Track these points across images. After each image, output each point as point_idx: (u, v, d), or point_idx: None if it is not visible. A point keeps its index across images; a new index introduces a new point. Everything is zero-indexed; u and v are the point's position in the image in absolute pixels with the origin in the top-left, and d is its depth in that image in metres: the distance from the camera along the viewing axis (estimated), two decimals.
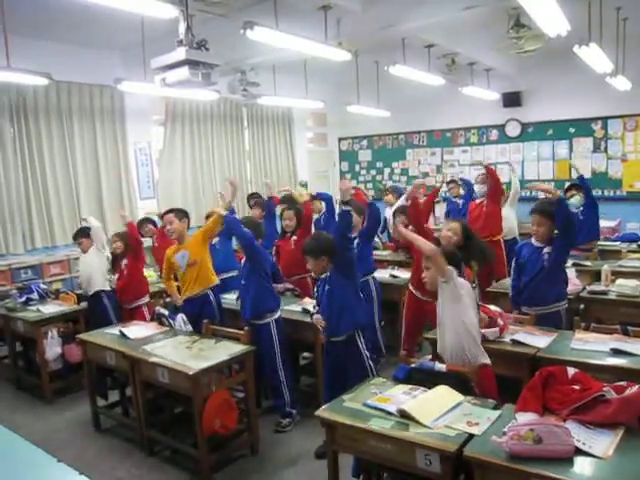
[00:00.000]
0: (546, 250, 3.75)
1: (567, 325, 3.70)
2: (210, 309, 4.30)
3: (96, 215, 7.05)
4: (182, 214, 4.46)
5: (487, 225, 5.96)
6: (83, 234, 5.06)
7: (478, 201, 6.33)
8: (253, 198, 7.38)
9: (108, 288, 4.99)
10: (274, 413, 4.02)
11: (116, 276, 5.00)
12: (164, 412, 3.93)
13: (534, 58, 6.51)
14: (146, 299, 5.00)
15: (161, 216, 4.41)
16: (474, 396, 2.55)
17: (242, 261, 4.08)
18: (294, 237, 5.03)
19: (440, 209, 8.09)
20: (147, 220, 5.94)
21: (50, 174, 6.75)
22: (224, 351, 3.43)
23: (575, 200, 5.90)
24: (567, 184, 6.58)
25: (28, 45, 5.75)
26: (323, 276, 3.39)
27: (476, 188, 6.46)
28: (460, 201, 7.05)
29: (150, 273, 5.55)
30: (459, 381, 2.60)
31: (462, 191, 7.10)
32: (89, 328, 4.44)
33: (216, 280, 4.44)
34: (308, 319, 3.97)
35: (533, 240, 3.87)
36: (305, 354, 4.73)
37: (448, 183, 7.56)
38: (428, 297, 4.23)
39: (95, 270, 4.93)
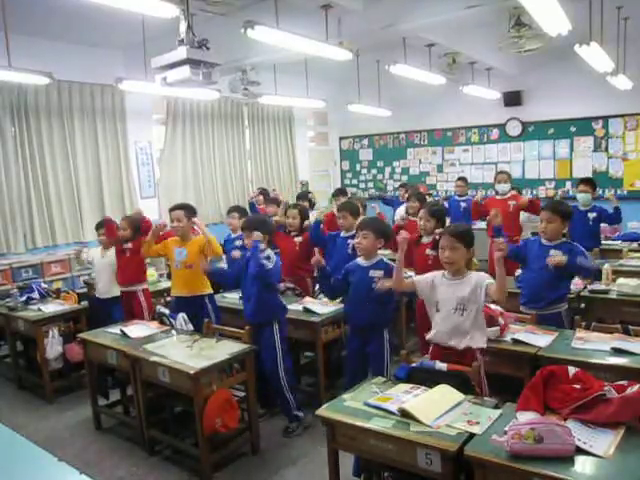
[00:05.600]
0: (552, 252, 3.67)
1: (568, 326, 3.66)
2: (205, 312, 4.31)
3: (97, 214, 7.08)
4: (191, 212, 4.41)
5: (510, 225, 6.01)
6: None
7: (499, 197, 6.32)
8: (260, 193, 7.50)
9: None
10: (279, 414, 4.02)
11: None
12: (165, 411, 3.93)
13: (535, 57, 6.51)
14: (144, 286, 4.97)
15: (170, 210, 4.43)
16: (475, 395, 2.55)
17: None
18: (299, 238, 5.03)
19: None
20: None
21: (51, 173, 6.76)
22: (225, 350, 3.42)
23: (583, 197, 5.90)
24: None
25: (29, 44, 5.75)
26: (364, 262, 3.53)
27: (497, 187, 6.44)
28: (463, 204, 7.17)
29: (151, 272, 5.55)
30: (460, 380, 2.60)
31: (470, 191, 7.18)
32: (92, 327, 4.44)
33: (210, 290, 4.45)
34: (309, 318, 3.99)
35: (542, 239, 3.82)
36: (306, 353, 4.73)
37: (458, 180, 7.70)
38: None
39: (112, 276, 4.99)
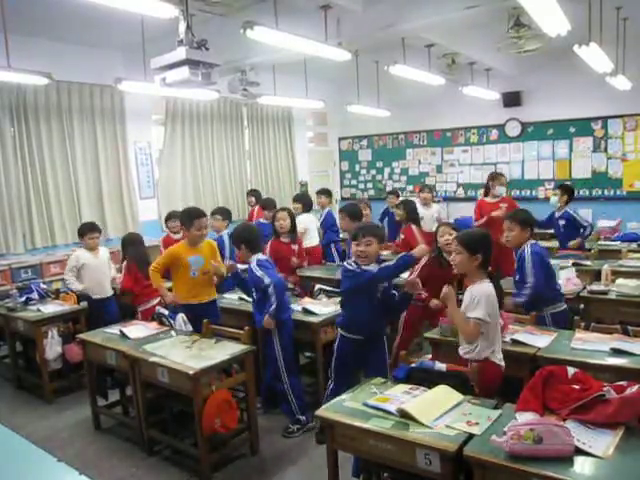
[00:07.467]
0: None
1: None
2: (216, 312, 4.32)
3: (96, 215, 7.08)
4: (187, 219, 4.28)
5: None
6: (98, 230, 5.12)
7: (491, 200, 6.22)
8: (252, 195, 7.53)
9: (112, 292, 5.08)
10: (278, 414, 4.01)
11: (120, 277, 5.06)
12: (164, 412, 3.92)
13: (534, 58, 6.51)
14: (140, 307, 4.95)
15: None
16: (474, 396, 2.55)
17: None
18: (295, 245, 5.19)
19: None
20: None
21: (50, 174, 6.75)
22: (224, 351, 3.42)
23: (551, 199, 6.05)
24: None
25: (28, 44, 5.76)
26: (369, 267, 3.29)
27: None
28: None
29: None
30: (459, 381, 2.60)
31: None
32: (91, 328, 4.43)
33: (216, 294, 4.48)
34: (308, 319, 3.98)
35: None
36: (305, 354, 4.72)
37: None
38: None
39: (107, 275, 5.02)
